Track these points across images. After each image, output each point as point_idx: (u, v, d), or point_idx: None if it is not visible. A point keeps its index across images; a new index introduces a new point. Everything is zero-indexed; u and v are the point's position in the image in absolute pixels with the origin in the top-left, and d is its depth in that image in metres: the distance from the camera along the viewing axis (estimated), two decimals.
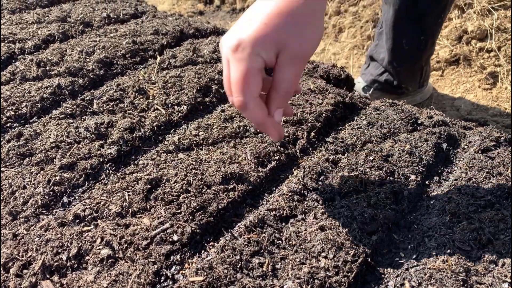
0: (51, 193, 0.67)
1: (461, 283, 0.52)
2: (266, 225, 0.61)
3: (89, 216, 0.63)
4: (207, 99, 0.91)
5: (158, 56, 1.06)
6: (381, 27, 1.29)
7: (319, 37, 0.54)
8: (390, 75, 1.31)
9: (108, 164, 0.73)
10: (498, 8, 1.55)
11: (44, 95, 0.89)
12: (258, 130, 0.79)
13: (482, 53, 1.53)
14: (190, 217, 0.61)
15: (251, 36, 0.50)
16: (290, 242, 0.58)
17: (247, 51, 0.50)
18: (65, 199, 0.67)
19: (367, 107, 0.94)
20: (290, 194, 0.66)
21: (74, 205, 0.66)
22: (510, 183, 0.67)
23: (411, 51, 1.24)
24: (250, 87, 0.51)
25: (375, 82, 1.36)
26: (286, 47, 0.51)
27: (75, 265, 0.57)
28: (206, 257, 0.57)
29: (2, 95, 0.88)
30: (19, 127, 0.82)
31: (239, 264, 0.54)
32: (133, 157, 0.76)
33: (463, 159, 0.77)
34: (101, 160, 0.73)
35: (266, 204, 0.66)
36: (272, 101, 0.55)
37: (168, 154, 0.74)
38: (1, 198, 0.67)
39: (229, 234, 0.60)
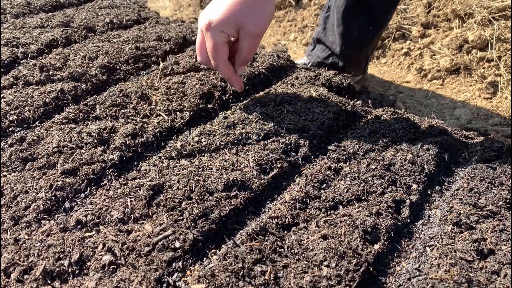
0: (53, 198, 0.67)
1: None
2: (268, 233, 0.61)
3: (91, 222, 0.63)
4: (209, 106, 0.91)
5: (161, 62, 1.07)
6: (327, 12, 1.34)
7: (269, 17, 0.75)
8: (337, 58, 1.36)
9: (111, 170, 0.73)
10: (498, 18, 1.56)
11: (47, 100, 0.89)
12: (260, 137, 0.80)
13: (483, 63, 1.53)
14: (192, 224, 0.61)
15: (218, 18, 0.73)
16: (292, 251, 0.58)
17: (215, 29, 0.74)
18: (67, 205, 0.67)
19: (369, 116, 0.94)
20: (292, 202, 0.66)
21: (76, 211, 0.66)
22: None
23: (360, 38, 1.30)
24: (218, 55, 0.77)
25: (321, 64, 1.40)
26: (244, 26, 0.74)
27: (77, 271, 0.57)
28: (208, 264, 0.57)
29: (5, 99, 0.88)
30: (22, 132, 0.82)
31: (241, 272, 0.54)
32: (135, 163, 0.76)
33: (464, 168, 0.77)
34: (103, 165, 0.73)
35: (268, 211, 0.66)
36: (236, 62, 0.82)
37: (171, 161, 0.74)
38: (3, 203, 0.67)
39: (231, 241, 0.59)
